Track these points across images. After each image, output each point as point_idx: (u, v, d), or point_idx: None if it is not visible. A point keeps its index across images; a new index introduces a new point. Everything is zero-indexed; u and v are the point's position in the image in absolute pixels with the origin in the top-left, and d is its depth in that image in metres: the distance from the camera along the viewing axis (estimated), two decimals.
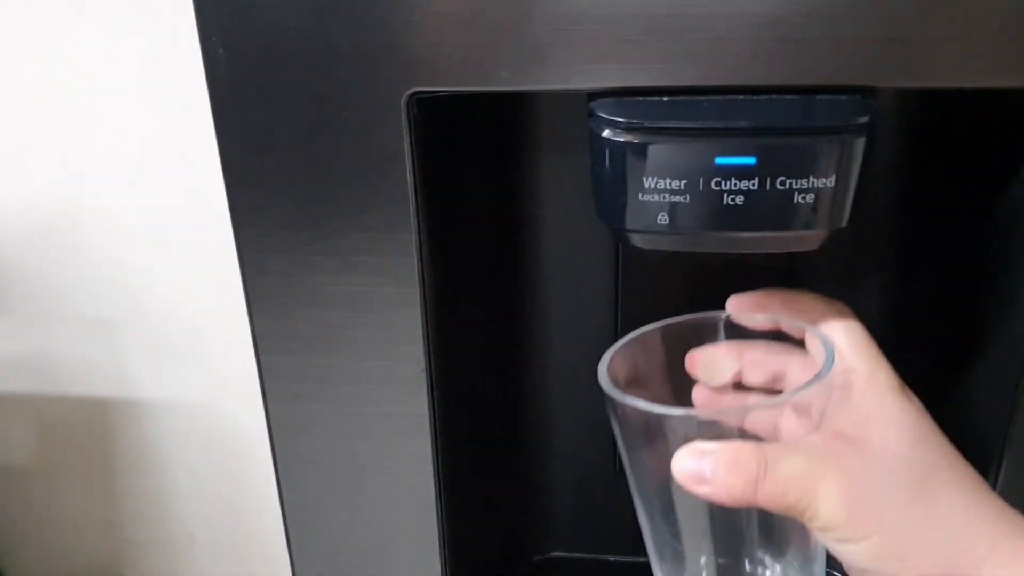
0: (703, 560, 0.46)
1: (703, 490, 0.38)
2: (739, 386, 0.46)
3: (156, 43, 0.86)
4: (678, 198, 0.39)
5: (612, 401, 0.42)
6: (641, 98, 0.39)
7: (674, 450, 0.39)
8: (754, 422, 0.40)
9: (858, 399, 0.40)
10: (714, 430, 0.39)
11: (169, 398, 1.08)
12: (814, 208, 0.38)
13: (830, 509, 0.36)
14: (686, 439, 0.39)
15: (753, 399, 0.45)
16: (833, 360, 0.40)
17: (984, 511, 0.37)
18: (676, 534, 0.45)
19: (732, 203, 0.38)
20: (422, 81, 0.39)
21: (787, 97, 0.38)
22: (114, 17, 0.86)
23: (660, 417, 0.40)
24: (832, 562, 0.41)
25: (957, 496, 0.38)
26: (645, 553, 0.51)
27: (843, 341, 0.41)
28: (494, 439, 0.58)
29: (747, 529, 0.45)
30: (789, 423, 0.40)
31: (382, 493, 0.48)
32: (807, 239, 0.40)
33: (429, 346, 0.44)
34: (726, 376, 0.45)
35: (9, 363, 1.09)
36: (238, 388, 1.05)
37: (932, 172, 0.48)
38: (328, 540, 0.50)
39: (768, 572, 0.46)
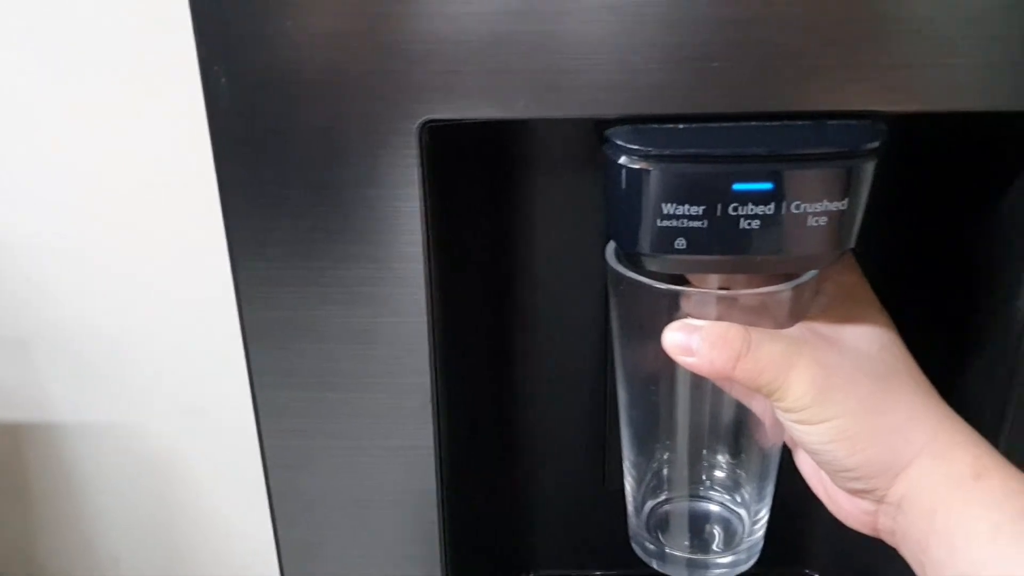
0: (671, 446, 0.51)
1: (687, 360, 0.41)
2: None
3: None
4: (696, 223, 0.39)
5: (615, 278, 0.45)
6: (657, 125, 0.39)
7: (663, 327, 0.42)
8: (737, 314, 0.43)
9: (837, 305, 0.44)
10: (703, 311, 0.43)
11: (89, 420, 1.04)
12: (827, 230, 0.39)
13: (799, 392, 0.40)
14: (676, 317, 0.43)
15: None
16: (818, 270, 0.43)
17: (930, 410, 0.41)
18: (651, 416, 0.49)
19: (749, 227, 0.39)
20: (436, 109, 0.38)
21: (800, 123, 0.39)
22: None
23: (657, 293, 0.43)
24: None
25: (910, 395, 0.41)
26: (628, 565, 0.52)
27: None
28: (489, 466, 0.57)
29: (715, 425, 0.49)
30: (760, 319, 0.43)
31: (383, 526, 0.47)
32: (818, 260, 0.41)
33: (436, 377, 0.43)
34: (714, 283, 0.47)
35: None
36: (164, 407, 1.02)
37: (924, 189, 0.50)
38: None
39: (721, 472, 0.52)
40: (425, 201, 0.40)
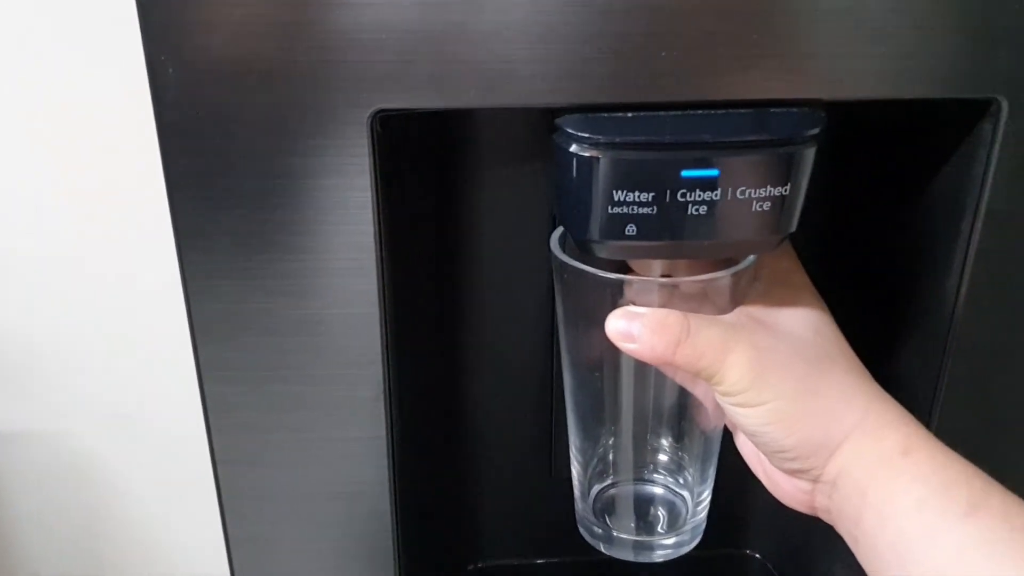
0: (616, 431, 0.52)
1: (629, 347, 0.42)
2: None
3: None
4: (646, 210, 0.40)
5: (559, 266, 0.46)
6: (607, 114, 0.39)
7: (607, 314, 0.43)
8: (677, 301, 0.44)
9: (774, 291, 0.45)
10: (645, 299, 0.44)
11: (7, 428, 1.00)
12: (771, 215, 0.40)
13: (737, 376, 0.41)
14: (620, 305, 0.43)
15: None
16: (755, 255, 0.45)
17: (861, 390, 0.42)
18: (597, 402, 0.50)
19: (696, 213, 0.40)
20: (388, 99, 0.38)
21: (744, 111, 0.40)
22: None
23: (600, 281, 0.44)
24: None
25: (842, 376, 0.43)
26: (572, 552, 0.53)
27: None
28: (439, 456, 0.57)
29: (659, 409, 0.51)
30: (700, 306, 0.44)
31: (335, 519, 0.47)
32: (762, 244, 0.42)
33: (388, 367, 0.43)
34: (656, 271, 0.48)
35: None
36: (88, 413, 0.99)
37: (859, 174, 0.51)
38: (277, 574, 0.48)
39: (665, 455, 0.53)
40: (376, 191, 0.40)
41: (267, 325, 0.43)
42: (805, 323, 0.44)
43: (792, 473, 0.44)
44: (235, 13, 0.37)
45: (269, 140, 0.39)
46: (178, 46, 0.37)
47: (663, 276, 0.48)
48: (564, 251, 0.45)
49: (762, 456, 0.46)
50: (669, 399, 0.50)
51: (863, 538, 0.41)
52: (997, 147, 0.41)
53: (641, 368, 0.48)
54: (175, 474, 1.01)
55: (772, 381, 0.41)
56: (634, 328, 0.42)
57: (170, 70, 0.37)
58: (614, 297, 0.44)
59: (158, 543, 1.07)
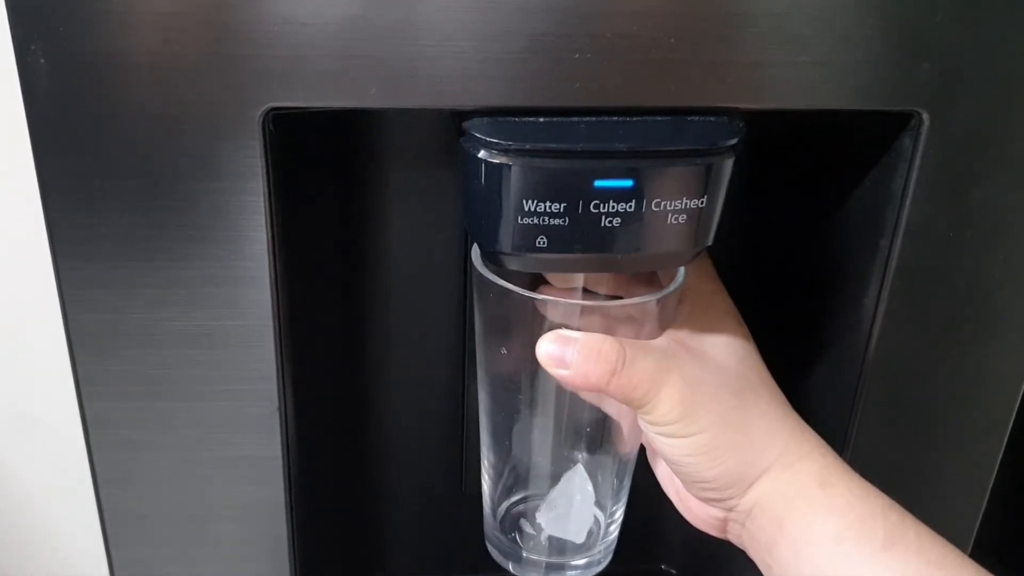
0: (533, 449, 0.50)
1: (561, 373, 0.40)
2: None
3: None
4: (557, 221, 0.38)
5: (482, 283, 0.43)
6: (516, 118, 0.37)
7: (531, 334, 0.41)
8: (606, 324, 0.42)
9: (699, 316, 0.44)
10: (573, 320, 0.41)
11: None
12: (686, 228, 0.39)
13: (667, 408, 0.40)
14: (546, 326, 0.41)
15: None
16: (683, 278, 0.43)
17: (783, 423, 0.42)
18: (513, 420, 0.48)
19: (609, 225, 0.38)
20: (280, 96, 0.36)
21: (660, 119, 0.38)
22: None
23: (527, 301, 0.42)
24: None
25: (765, 407, 0.42)
26: (483, 571, 0.51)
27: (691, 268, 0.44)
28: (343, 473, 0.55)
29: (577, 428, 0.49)
30: (628, 329, 0.42)
31: (227, 543, 0.44)
32: (677, 258, 0.41)
33: (283, 382, 0.41)
34: (576, 283, 0.47)
35: None
36: None
37: (776, 188, 0.50)
38: None
39: (580, 465, 0.50)
40: (269, 195, 0.38)
41: (152, 337, 0.40)
42: (730, 351, 0.43)
43: (708, 501, 0.43)
44: (112, 0, 0.34)
45: (152, 139, 0.36)
46: (50, 36, 0.34)
47: (584, 288, 0.47)
48: (487, 267, 0.43)
49: (676, 479, 0.45)
50: (586, 418, 0.49)
51: (777, 566, 0.41)
52: (918, 161, 0.40)
53: (559, 386, 0.46)
54: (83, 483, 0.97)
55: (700, 414, 0.40)
56: (567, 354, 0.40)
57: (41, 61, 0.34)
58: (539, 317, 0.42)
59: (63, 557, 1.03)
